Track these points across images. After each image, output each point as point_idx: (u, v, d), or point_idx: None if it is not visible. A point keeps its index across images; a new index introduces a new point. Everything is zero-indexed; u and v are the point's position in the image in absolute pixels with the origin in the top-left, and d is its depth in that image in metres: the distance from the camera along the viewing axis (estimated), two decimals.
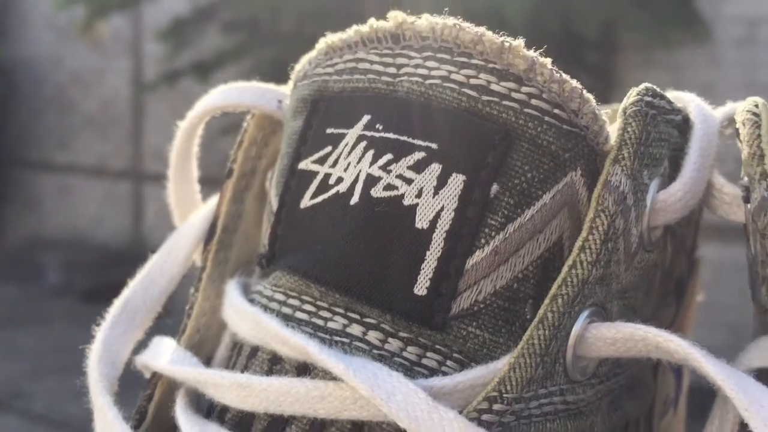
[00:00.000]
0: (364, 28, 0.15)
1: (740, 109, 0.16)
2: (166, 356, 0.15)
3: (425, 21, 0.15)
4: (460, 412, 0.13)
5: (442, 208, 0.14)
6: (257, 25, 3.41)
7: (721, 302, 2.88)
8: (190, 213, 0.18)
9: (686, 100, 0.17)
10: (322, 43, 0.16)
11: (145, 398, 0.15)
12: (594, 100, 0.15)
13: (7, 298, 3.18)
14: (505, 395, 0.13)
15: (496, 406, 0.13)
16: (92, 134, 4.24)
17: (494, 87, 0.14)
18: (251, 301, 0.15)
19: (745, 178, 0.14)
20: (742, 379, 0.14)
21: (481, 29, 0.15)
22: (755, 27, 3.05)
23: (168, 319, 0.18)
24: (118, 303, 0.17)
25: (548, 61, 0.15)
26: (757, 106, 0.15)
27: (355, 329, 0.14)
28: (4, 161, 4.46)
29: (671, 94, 0.17)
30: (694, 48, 3.04)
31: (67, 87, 4.30)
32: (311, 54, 0.16)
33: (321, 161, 0.15)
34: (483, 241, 0.14)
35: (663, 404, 0.18)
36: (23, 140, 4.49)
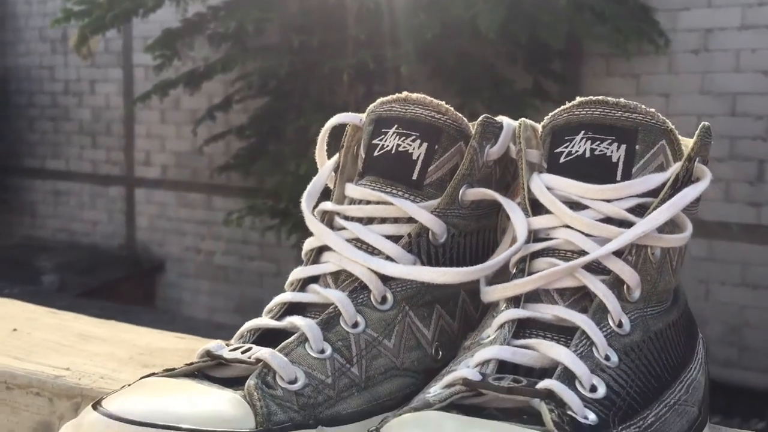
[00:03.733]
0: (397, 95, 0.48)
1: (517, 122, 0.48)
2: (329, 205, 0.48)
3: (414, 95, 0.47)
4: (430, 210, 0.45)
5: (421, 153, 0.46)
6: (243, 37, 3.63)
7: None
8: (323, 164, 0.50)
9: (504, 119, 0.49)
10: (378, 100, 0.48)
11: (319, 218, 0.48)
12: (466, 121, 0.47)
13: (11, 296, 3.40)
14: (439, 208, 0.45)
15: (437, 210, 0.45)
16: (85, 142, 4.46)
17: (435, 116, 0.46)
18: (358, 184, 0.48)
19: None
20: (513, 206, 0.46)
21: (431, 98, 0.47)
22: (710, 36, 3.31)
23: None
24: (305, 193, 0.48)
25: (452, 108, 0.47)
26: (523, 121, 0.47)
27: (394, 191, 0.46)
28: None
29: (500, 118, 0.50)
30: (653, 57, 3.34)
31: (60, 97, 4.52)
32: (375, 103, 0.49)
33: (380, 140, 0.47)
34: (433, 163, 0.46)
35: (503, 229, 0.50)
36: (18, 148, 4.68)
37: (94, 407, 0.35)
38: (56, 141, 4.55)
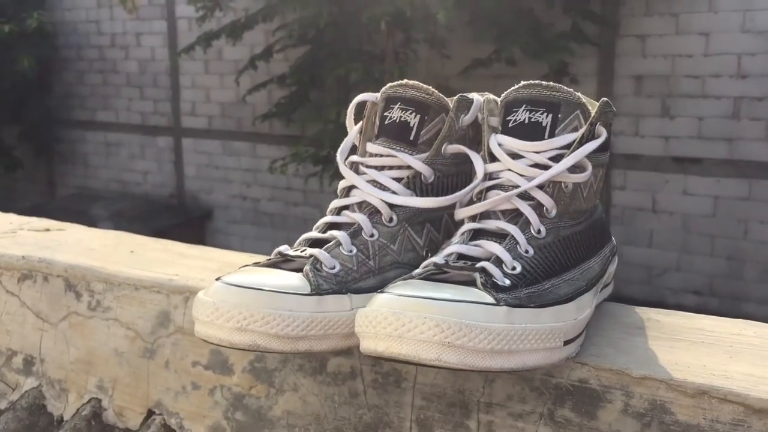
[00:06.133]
0: (399, 82, 0.73)
1: (483, 98, 0.72)
2: (355, 158, 0.74)
3: (412, 82, 0.72)
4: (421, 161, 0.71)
5: (416, 122, 0.70)
6: None
7: (720, 234, 3.40)
8: (351, 128, 0.76)
9: (474, 95, 0.74)
10: (387, 85, 0.74)
11: (348, 167, 0.73)
12: (446, 99, 0.72)
13: None
14: (429, 159, 0.71)
15: (427, 160, 0.71)
16: (133, 94, 4.77)
17: (425, 96, 0.71)
18: (374, 143, 0.74)
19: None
20: (476, 156, 0.71)
21: (422, 84, 0.72)
22: None
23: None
24: (339, 149, 0.74)
25: (436, 90, 0.72)
26: (487, 97, 0.71)
27: (398, 147, 0.71)
28: (51, 121, 5.01)
29: (471, 95, 0.74)
30: None
31: (107, 50, 4.82)
32: (385, 86, 0.74)
33: (388, 113, 0.73)
34: (424, 128, 0.70)
35: (474, 175, 0.75)
36: (68, 101, 5.01)
37: (216, 280, 0.62)
38: (105, 93, 4.86)
